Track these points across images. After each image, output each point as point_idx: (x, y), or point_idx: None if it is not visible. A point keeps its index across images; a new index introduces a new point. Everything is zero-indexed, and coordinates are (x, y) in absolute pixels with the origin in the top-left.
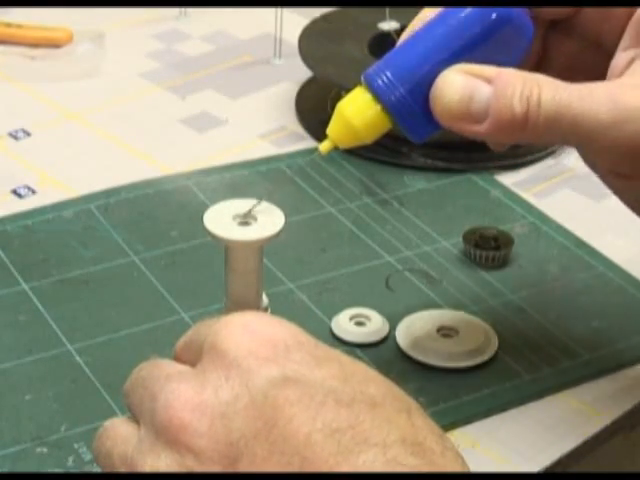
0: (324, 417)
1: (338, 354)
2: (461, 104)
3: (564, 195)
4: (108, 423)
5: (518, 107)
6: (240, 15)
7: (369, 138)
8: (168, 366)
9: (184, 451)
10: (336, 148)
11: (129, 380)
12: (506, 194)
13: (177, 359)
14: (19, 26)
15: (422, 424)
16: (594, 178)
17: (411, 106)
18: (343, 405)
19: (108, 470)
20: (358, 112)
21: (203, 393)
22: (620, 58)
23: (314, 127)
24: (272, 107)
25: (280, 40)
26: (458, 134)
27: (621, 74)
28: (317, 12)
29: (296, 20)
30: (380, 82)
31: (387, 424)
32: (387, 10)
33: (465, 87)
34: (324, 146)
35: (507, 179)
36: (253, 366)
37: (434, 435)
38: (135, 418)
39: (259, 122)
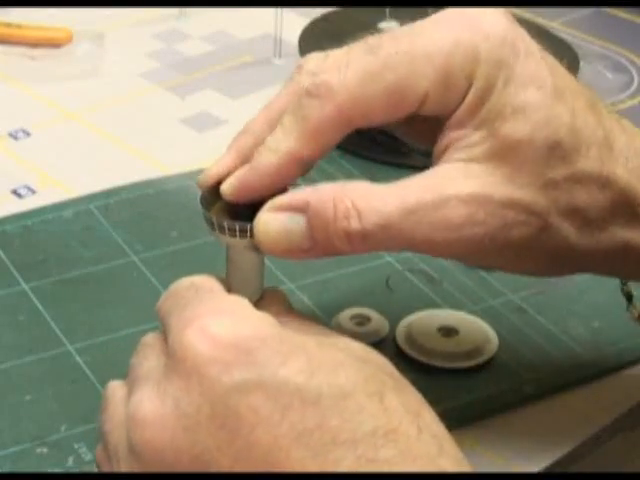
0: (290, 420)
1: (305, 343)
2: (282, 243)
3: None
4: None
5: (338, 232)
6: (240, 15)
7: None
8: (151, 356)
9: (149, 467)
10: None
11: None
12: None
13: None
14: (19, 26)
15: (396, 406)
16: None
17: None
18: (309, 404)
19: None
20: None
21: (164, 406)
22: (439, 147)
23: None
24: None
25: (280, 40)
26: None
27: (437, 161)
28: (317, 12)
29: (296, 20)
30: None
31: (358, 415)
32: (387, 10)
33: (280, 226)
34: None
35: None
36: (213, 373)
37: (409, 415)
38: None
39: None
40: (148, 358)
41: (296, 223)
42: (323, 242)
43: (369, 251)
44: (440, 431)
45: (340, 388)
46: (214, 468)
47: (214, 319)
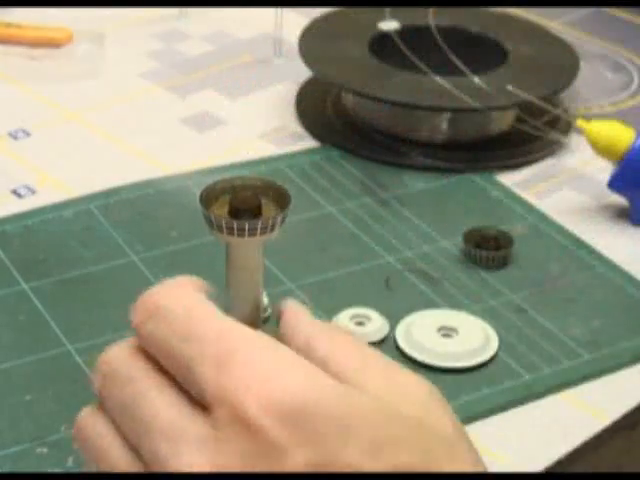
0: None
1: (368, 412)
2: None
3: (564, 195)
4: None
5: None
6: (240, 15)
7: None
8: (157, 390)
9: None
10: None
11: (99, 375)
12: (506, 194)
13: (137, 331)
14: (19, 26)
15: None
16: (594, 178)
17: None
18: None
19: None
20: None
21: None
22: None
23: (314, 127)
24: (272, 107)
25: (280, 40)
26: (458, 134)
27: None
28: (317, 12)
29: (296, 20)
30: None
31: None
32: (387, 10)
33: None
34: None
35: (507, 179)
36: (274, 456)
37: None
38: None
39: (259, 122)
40: (155, 403)
41: None
42: None
43: None
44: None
45: (403, 469)
46: None
47: (271, 379)
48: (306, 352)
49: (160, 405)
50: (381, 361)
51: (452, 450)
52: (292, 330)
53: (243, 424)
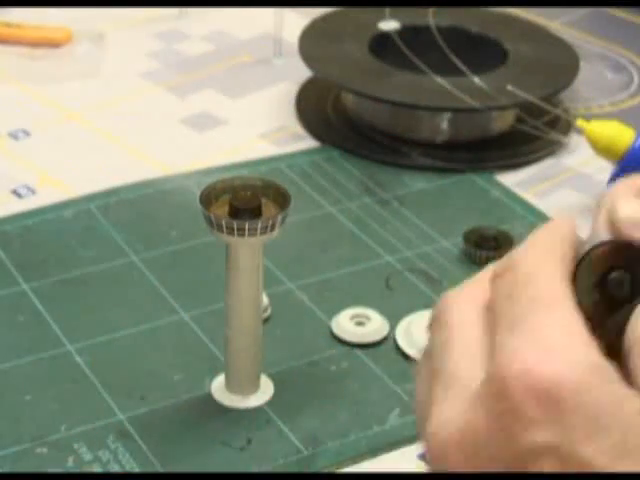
0: None
1: (625, 413)
2: None
3: (564, 195)
4: None
5: None
6: (240, 15)
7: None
8: (463, 351)
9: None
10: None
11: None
12: (506, 194)
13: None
14: (19, 26)
15: None
16: (594, 178)
17: None
18: None
19: None
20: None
21: (464, 426)
22: None
23: (314, 127)
24: (272, 107)
25: (280, 40)
26: (458, 134)
27: None
28: (317, 12)
29: (296, 20)
30: None
31: None
32: (387, 10)
33: None
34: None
35: (507, 179)
36: (516, 428)
37: None
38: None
39: (259, 122)
40: (462, 352)
41: None
42: None
43: None
44: None
45: None
46: None
47: (542, 357)
48: None
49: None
50: None
51: None
52: None
53: (501, 385)
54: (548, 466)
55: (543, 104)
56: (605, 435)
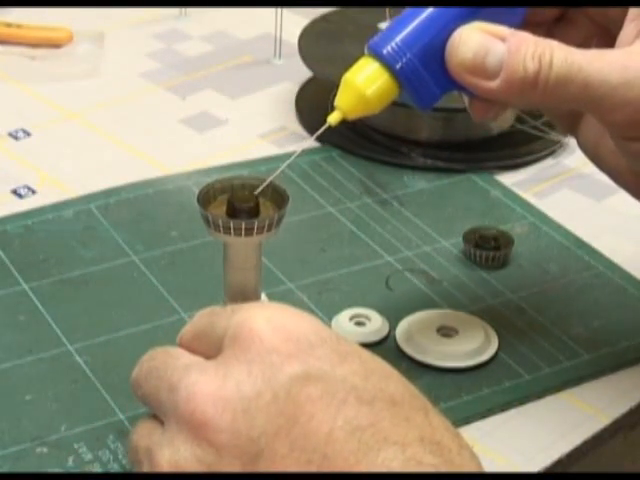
0: (345, 415)
1: (359, 350)
2: (476, 59)
3: (564, 195)
4: (140, 420)
5: (530, 65)
6: (240, 15)
7: (378, 107)
8: (183, 356)
9: (205, 446)
10: (344, 120)
11: (139, 369)
12: (506, 194)
13: (184, 349)
14: (19, 26)
15: (438, 423)
16: (594, 178)
17: (419, 70)
18: (364, 403)
19: (136, 465)
20: (368, 81)
21: (225, 387)
22: (628, 28)
23: (314, 127)
24: (272, 107)
25: (280, 40)
26: (458, 134)
27: (631, 43)
28: (317, 12)
29: (296, 20)
30: (388, 49)
31: (406, 422)
32: (387, 10)
33: (480, 43)
34: (333, 117)
35: (507, 179)
36: (276, 362)
37: (450, 434)
38: (153, 410)
39: (259, 122)
40: (183, 355)
41: (495, 48)
42: (511, 74)
43: (549, 102)
44: (476, 455)
45: (391, 396)
46: (269, 453)
47: (279, 312)
48: None
49: None
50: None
51: (429, 405)
52: None
53: (248, 335)
54: (316, 390)
55: None
56: (351, 360)
